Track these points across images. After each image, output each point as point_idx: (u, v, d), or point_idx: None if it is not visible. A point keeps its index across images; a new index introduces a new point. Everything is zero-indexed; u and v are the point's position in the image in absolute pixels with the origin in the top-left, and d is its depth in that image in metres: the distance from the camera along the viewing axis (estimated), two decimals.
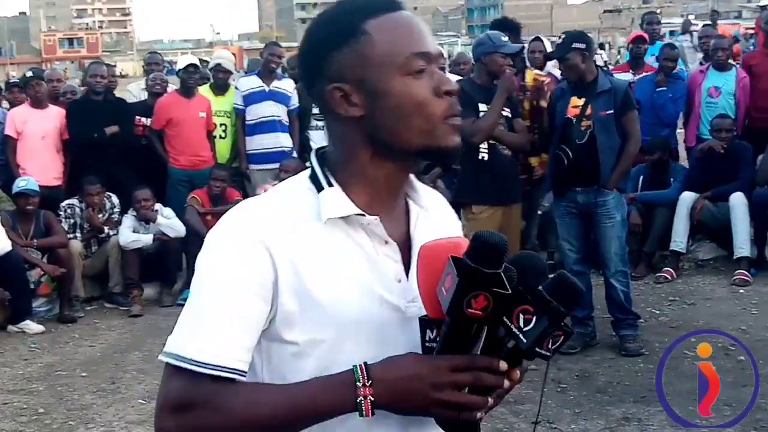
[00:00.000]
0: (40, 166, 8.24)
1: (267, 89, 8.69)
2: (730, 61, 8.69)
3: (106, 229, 8.08)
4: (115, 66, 16.99)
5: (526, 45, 8.72)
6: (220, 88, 8.99)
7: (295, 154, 8.69)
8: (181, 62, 9.04)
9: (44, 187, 7.96)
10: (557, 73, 8.83)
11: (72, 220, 8.02)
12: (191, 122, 8.50)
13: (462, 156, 6.02)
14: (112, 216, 8.18)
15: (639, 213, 7.93)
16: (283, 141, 8.70)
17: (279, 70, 9.36)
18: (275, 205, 1.58)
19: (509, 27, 7.27)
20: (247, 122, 8.72)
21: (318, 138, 8.89)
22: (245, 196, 8.54)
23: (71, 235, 7.90)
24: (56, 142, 8.38)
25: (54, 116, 8.42)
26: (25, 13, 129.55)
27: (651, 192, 8.13)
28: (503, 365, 1.44)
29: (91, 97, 8.50)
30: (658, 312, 6.90)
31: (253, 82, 8.82)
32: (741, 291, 7.33)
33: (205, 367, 1.50)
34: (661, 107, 8.30)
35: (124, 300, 7.90)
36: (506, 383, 1.48)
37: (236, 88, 8.94)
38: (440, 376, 1.44)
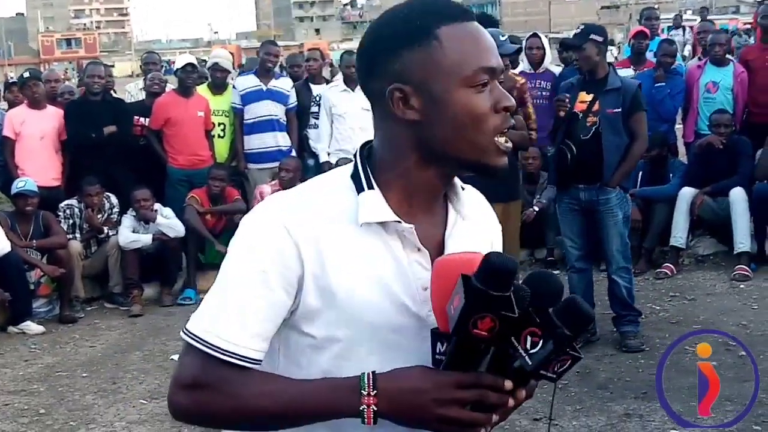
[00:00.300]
0: (39, 166, 8.23)
1: (264, 88, 8.68)
2: (728, 56, 8.67)
3: (105, 229, 8.08)
4: (112, 66, 17.00)
5: (522, 44, 8.74)
6: (218, 87, 8.98)
7: (293, 153, 8.69)
8: (179, 62, 9.03)
9: (43, 187, 7.95)
10: (555, 69, 8.85)
11: (71, 221, 8.01)
12: (189, 122, 8.49)
13: None
14: (112, 216, 8.17)
15: (638, 209, 7.92)
16: (281, 140, 8.70)
17: (277, 69, 9.36)
18: (313, 199, 1.59)
19: (487, 23, 7.22)
20: (245, 121, 8.72)
21: (316, 137, 8.90)
22: (244, 195, 8.55)
23: (70, 236, 7.90)
24: (55, 143, 8.37)
25: (52, 117, 8.41)
26: (22, 14, 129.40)
27: (650, 188, 8.13)
28: (508, 384, 1.45)
29: (89, 98, 8.49)
30: (658, 308, 6.91)
31: (251, 82, 8.82)
32: (741, 286, 7.33)
33: (219, 352, 1.54)
34: (659, 103, 8.29)
35: (124, 300, 7.90)
36: (511, 402, 1.48)
37: (234, 87, 8.93)
38: (444, 392, 1.45)
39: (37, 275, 7.62)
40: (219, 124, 8.85)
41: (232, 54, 14.46)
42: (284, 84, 8.89)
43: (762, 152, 7.88)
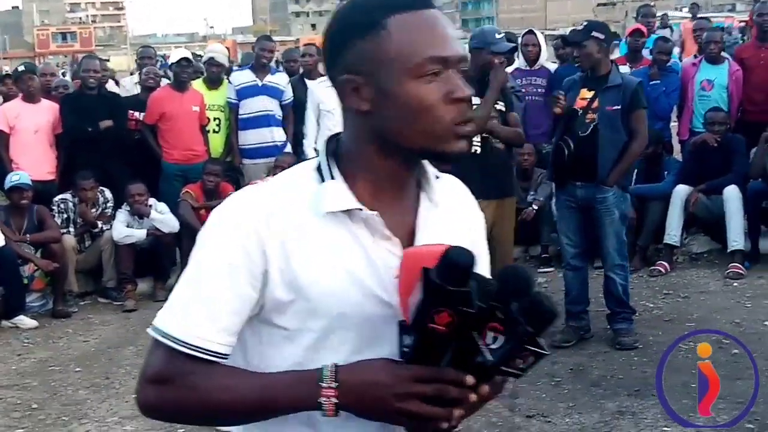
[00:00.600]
0: (33, 160, 8.22)
1: (260, 84, 8.67)
2: (723, 53, 8.68)
3: (99, 223, 8.07)
4: (107, 60, 16.97)
5: (518, 41, 8.73)
6: (214, 82, 8.96)
7: (288, 148, 8.68)
8: (174, 56, 9.02)
9: (37, 181, 7.94)
10: (551, 66, 8.85)
11: (65, 215, 8.00)
12: (184, 116, 8.48)
13: None
14: (106, 211, 8.16)
15: (633, 206, 7.92)
16: (276, 135, 8.69)
17: (272, 64, 9.34)
18: (277, 193, 1.59)
19: None
20: (240, 116, 8.70)
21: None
22: (239, 190, 8.52)
23: (64, 230, 7.88)
24: (49, 137, 8.36)
25: (47, 110, 8.40)
26: (17, 8, 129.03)
27: (645, 185, 8.13)
28: (469, 380, 1.43)
29: (85, 92, 8.47)
30: (652, 305, 6.91)
31: (246, 77, 8.80)
32: (735, 284, 7.33)
33: (183, 346, 1.55)
34: (654, 100, 8.27)
35: (118, 295, 7.89)
36: (473, 397, 1.45)
37: (229, 82, 8.91)
38: (404, 385, 1.44)
39: (30, 269, 7.61)
40: (214, 119, 8.83)
41: (228, 49, 14.43)
42: (280, 79, 8.87)
43: (756, 150, 7.89)
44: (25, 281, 7.56)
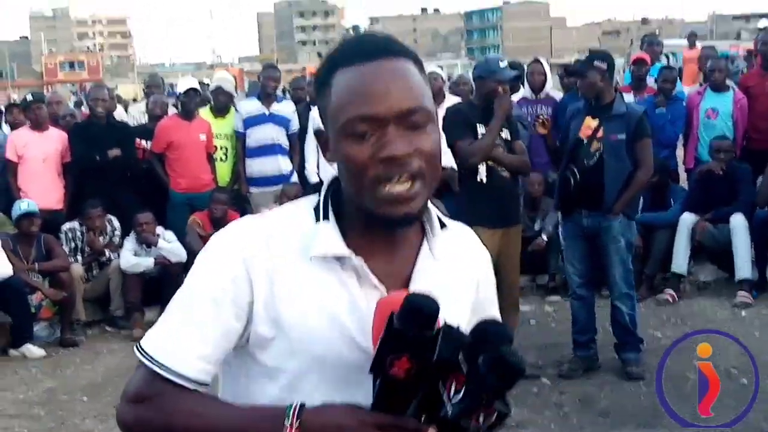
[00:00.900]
0: (41, 189, 8.25)
1: (267, 112, 8.71)
2: (728, 82, 8.71)
3: (107, 252, 8.09)
4: (115, 89, 17.07)
5: (523, 69, 8.77)
6: (221, 110, 9.00)
7: (295, 177, 8.72)
8: (182, 86, 9.07)
9: (45, 210, 7.96)
10: (557, 95, 8.88)
11: (73, 244, 8.03)
12: (192, 145, 8.51)
13: (461, 177, 6.07)
14: (113, 239, 8.18)
15: (639, 235, 7.91)
16: (282, 164, 8.72)
17: (280, 93, 9.39)
18: (273, 227, 1.60)
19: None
20: (247, 145, 8.73)
21: (322, 161, 8.91)
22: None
23: (72, 259, 7.90)
24: (57, 165, 8.40)
25: (55, 139, 8.44)
26: (26, 37, 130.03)
27: (651, 214, 8.13)
28: (431, 431, 1.41)
29: (94, 120, 8.51)
30: (659, 335, 6.89)
31: (253, 106, 8.85)
32: (743, 313, 7.32)
33: (160, 367, 1.58)
34: (660, 129, 8.30)
35: (126, 324, 7.89)
36: None
37: (236, 111, 8.96)
38: (364, 431, 1.43)
39: (38, 298, 7.61)
40: (221, 148, 8.87)
41: (234, 77, 14.53)
42: (286, 108, 8.92)
43: (762, 179, 7.89)
44: (33, 310, 7.56)
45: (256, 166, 8.71)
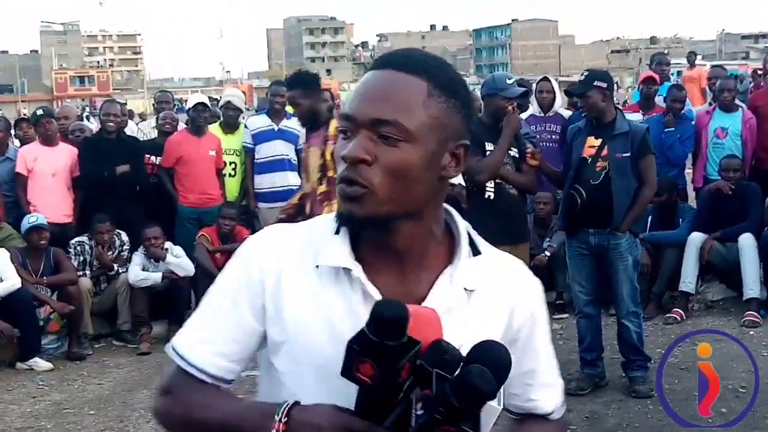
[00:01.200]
0: (51, 203, 8.27)
1: (276, 128, 8.75)
2: (736, 101, 8.71)
3: (115, 266, 8.11)
4: (125, 104, 17.14)
5: (531, 87, 8.79)
6: (230, 126, 9.04)
7: None
8: (191, 101, 9.11)
9: (54, 224, 8.00)
10: (565, 113, 8.89)
11: (81, 258, 8.05)
12: (201, 161, 8.54)
13: (468, 194, 6.08)
14: (122, 254, 8.20)
15: (648, 254, 7.92)
16: (291, 180, 8.72)
17: (288, 109, 9.41)
18: (295, 234, 1.67)
19: (306, 81, 6.42)
20: (256, 161, 8.76)
21: None
22: (254, 234, 8.56)
23: (81, 273, 7.92)
24: (67, 180, 8.43)
25: (64, 154, 8.47)
26: (36, 51, 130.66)
27: (660, 232, 8.13)
28: None
29: (105, 136, 8.54)
30: None
31: (263, 121, 8.88)
32: (751, 332, 7.29)
33: (182, 361, 1.67)
34: (669, 148, 8.31)
35: (133, 338, 7.91)
36: None
37: (246, 126, 8.99)
38: None
39: (46, 312, 7.64)
40: (230, 163, 8.90)
41: (244, 93, 14.57)
42: (295, 124, 8.92)
43: None
44: (41, 323, 7.59)
45: (265, 182, 8.73)
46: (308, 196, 6.23)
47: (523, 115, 7.78)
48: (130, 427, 5.92)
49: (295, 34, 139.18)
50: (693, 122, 8.72)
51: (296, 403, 1.53)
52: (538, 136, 7.93)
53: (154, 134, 9.41)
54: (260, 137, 8.75)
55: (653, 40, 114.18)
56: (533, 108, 8.85)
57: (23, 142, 9.11)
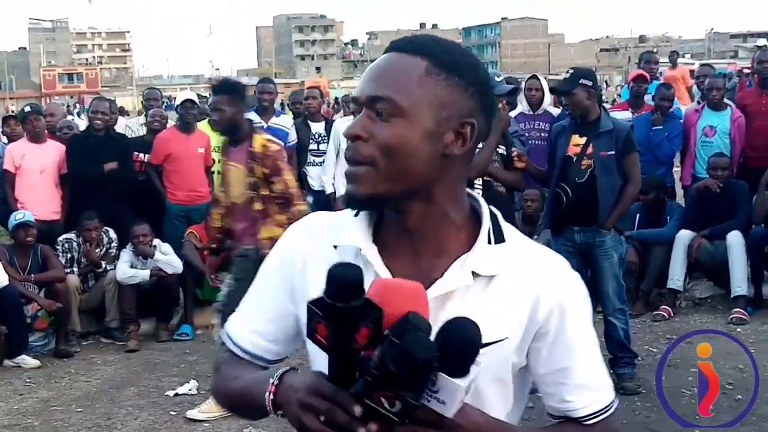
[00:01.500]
0: (39, 200, 8.25)
1: (265, 125, 8.72)
2: (725, 100, 8.74)
3: (103, 264, 8.08)
4: (114, 101, 17.06)
5: (520, 84, 8.80)
6: None
7: None
8: (180, 98, 9.08)
9: (42, 221, 7.97)
10: (554, 111, 8.91)
11: (69, 255, 8.02)
12: (190, 158, 8.52)
13: None
14: (110, 251, 8.18)
15: (636, 251, 7.94)
16: None
17: (278, 106, 9.42)
18: (324, 220, 1.73)
19: (232, 88, 6.12)
20: None
21: (315, 174, 8.96)
22: None
23: (68, 270, 7.89)
24: (54, 177, 8.40)
25: (52, 151, 8.44)
26: (25, 48, 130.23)
27: (648, 230, 8.16)
28: (357, 410, 1.38)
29: (93, 133, 8.51)
30: (655, 350, 6.89)
31: (252, 119, 8.84)
32: (738, 329, 7.32)
33: (228, 338, 1.79)
34: (657, 146, 8.34)
35: (121, 335, 7.89)
36: (362, 431, 1.39)
37: None
38: (306, 395, 1.46)
39: (33, 309, 7.61)
40: (219, 161, 8.86)
41: None
42: (284, 121, 8.96)
43: (758, 196, 7.91)
44: (28, 320, 7.56)
45: None
46: (228, 213, 5.96)
47: (513, 113, 7.78)
48: (117, 424, 5.91)
49: (285, 31, 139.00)
50: (681, 120, 8.75)
51: (292, 369, 1.59)
52: (527, 134, 7.94)
53: (143, 131, 9.38)
54: None
55: (642, 38, 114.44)
56: (522, 106, 8.86)
57: (11, 140, 9.08)
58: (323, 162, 9.00)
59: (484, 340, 1.43)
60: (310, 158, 9.07)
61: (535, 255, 1.66)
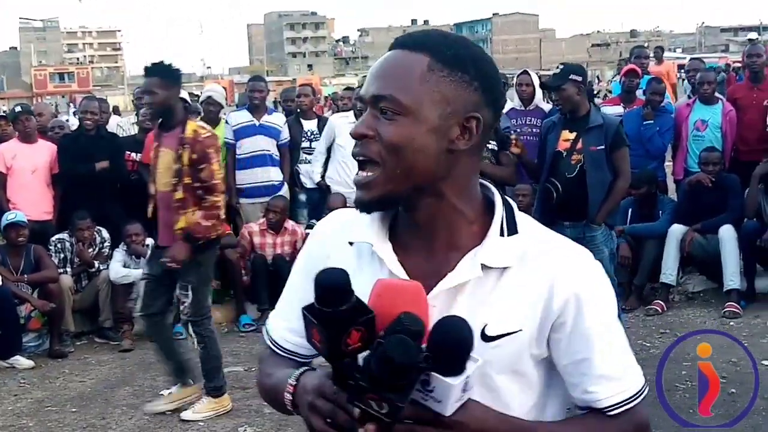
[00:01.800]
0: (31, 200, 8.22)
1: (257, 123, 8.72)
2: (716, 94, 8.75)
3: (96, 263, 8.07)
4: (105, 100, 16.99)
5: (512, 80, 8.80)
6: (211, 121, 8.98)
7: (285, 188, 8.74)
8: None
9: (34, 221, 7.95)
10: (546, 106, 8.91)
11: (62, 255, 8.00)
12: None
13: None
14: (103, 251, 8.16)
15: (629, 246, 7.95)
16: (273, 175, 8.74)
17: (271, 104, 9.41)
18: (348, 216, 1.73)
19: (166, 71, 5.76)
20: (237, 156, 8.73)
21: (307, 172, 8.96)
22: (236, 229, 8.55)
23: (61, 270, 7.88)
24: (46, 177, 8.37)
25: (44, 151, 8.42)
26: (15, 48, 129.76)
27: (640, 225, 8.17)
28: (355, 411, 1.40)
29: (84, 132, 8.49)
30: (648, 345, 6.91)
31: (243, 117, 8.85)
32: (731, 323, 7.34)
33: (266, 334, 1.85)
34: (648, 140, 8.35)
35: (115, 335, 7.88)
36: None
37: (227, 122, 8.96)
38: (313, 397, 1.49)
39: (27, 309, 7.60)
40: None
41: (224, 89, 14.54)
42: (277, 119, 8.94)
43: (749, 190, 7.93)
44: (22, 321, 7.55)
45: (247, 177, 8.71)
46: (152, 199, 5.80)
47: (504, 108, 7.78)
48: (112, 424, 5.91)
49: (276, 29, 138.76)
50: (672, 115, 8.76)
51: (310, 369, 1.61)
52: (518, 130, 7.95)
53: (135, 130, 9.36)
54: (241, 133, 8.72)
55: (633, 33, 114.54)
56: (514, 102, 8.86)
57: (1, 140, 9.04)
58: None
59: (495, 333, 1.46)
60: (303, 156, 9.06)
61: (550, 245, 1.63)
